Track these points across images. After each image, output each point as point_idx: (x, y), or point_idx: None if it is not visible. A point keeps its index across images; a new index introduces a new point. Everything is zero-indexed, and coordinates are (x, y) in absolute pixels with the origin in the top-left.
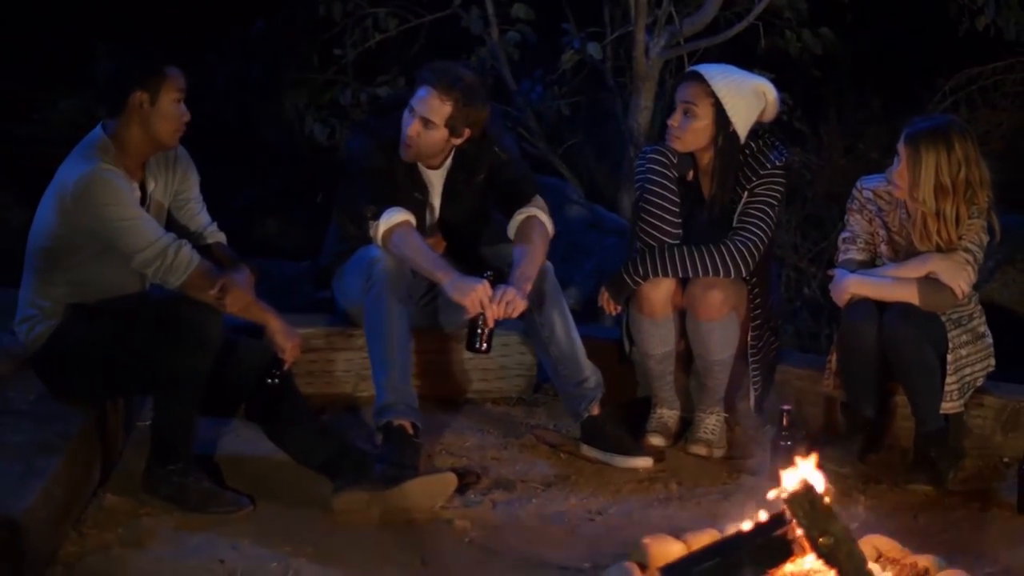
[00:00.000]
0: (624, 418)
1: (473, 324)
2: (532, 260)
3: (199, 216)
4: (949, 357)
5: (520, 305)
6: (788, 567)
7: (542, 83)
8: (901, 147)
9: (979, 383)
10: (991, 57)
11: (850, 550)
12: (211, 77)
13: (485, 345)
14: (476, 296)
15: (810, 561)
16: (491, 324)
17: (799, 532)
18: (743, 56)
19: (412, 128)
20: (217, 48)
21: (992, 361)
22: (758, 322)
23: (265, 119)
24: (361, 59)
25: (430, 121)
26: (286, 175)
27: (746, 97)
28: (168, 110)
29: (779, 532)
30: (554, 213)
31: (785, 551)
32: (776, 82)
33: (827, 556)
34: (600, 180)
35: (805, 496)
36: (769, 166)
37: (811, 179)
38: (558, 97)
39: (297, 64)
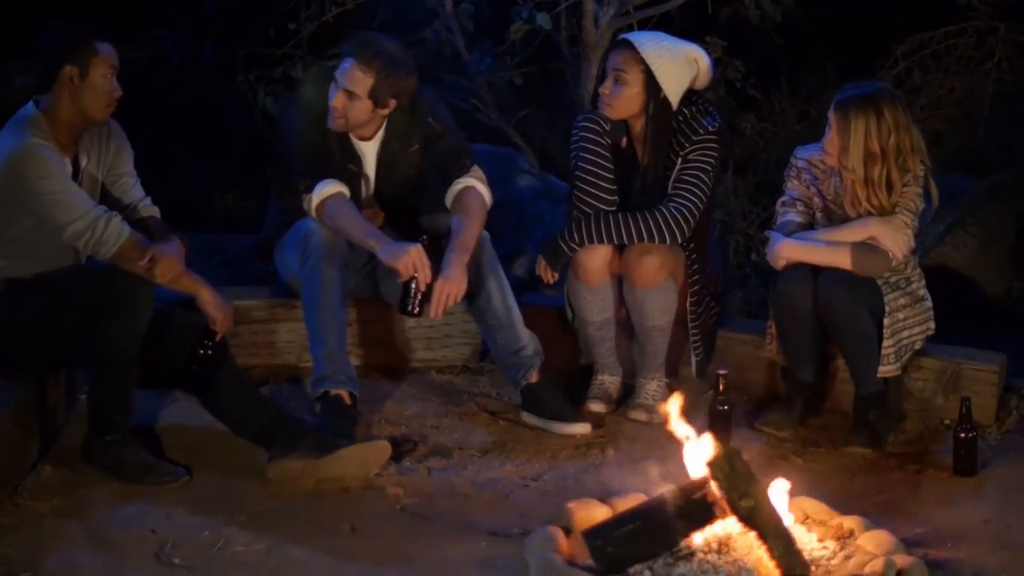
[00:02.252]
0: (567, 385)
1: (406, 287)
2: (470, 230)
3: (133, 190)
4: (886, 320)
5: (462, 286)
6: (709, 529)
7: (492, 54)
8: (831, 114)
9: (917, 346)
10: (944, 22)
11: (770, 512)
12: (165, 52)
13: (417, 308)
14: (408, 259)
15: (731, 523)
16: (423, 287)
17: (719, 495)
18: (700, 24)
19: (337, 100)
20: (171, 23)
21: (931, 324)
22: (697, 287)
23: (220, 94)
24: (321, 33)
25: (353, 93)
26: (243, 149)
27: (677, 64)
28: (98, 85)
29: (700, 495)
30: (505, 182)
31: (706, 514)
32: (730, 49)
33: (747, 518)
34: (553, 149)
35: (725, 459)
36: (702, 132)
37: (764, 146)
38: (510, 67)
39: (252, 39)
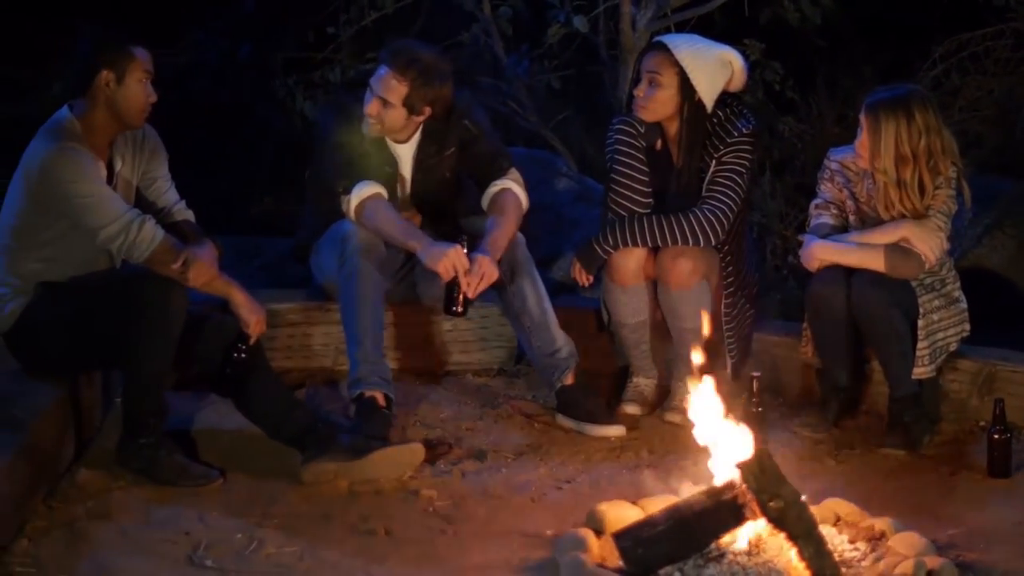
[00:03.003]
0: (603, 387)
1: (449, 287)
2: (503, 230)
3: (167, 194)
4: (920, 322)
5: (493, 272)
6: (739, 531)
7: (529, 57)
8: (862, 117)
9: (952, 348)
10: (982, 24)
11: (800, 513)
12: (203, 56)
13: (461, 308)
14: (449, 261)
15: (761, 525)
16: (465, 287)
17: (749, 496)
18: (740, 26)
19: (371, 107)
20: (209, 27)
21: (967, 326)
22: (731, 290)
23: (258, 97)
24: (360, 37)
25: (387, 101)
26: (282, 152)
27: (711, 66)
28: (134, 90)
29: (730, 497)
30: (542, 186)
31: (736, 515)
32: (768, 51)
33: (777, 520)
34: (591, 152)
35: (755, 461)
36: (736, 134)
37: (802, 148)
38: (548, 71)
39: (291, 42)
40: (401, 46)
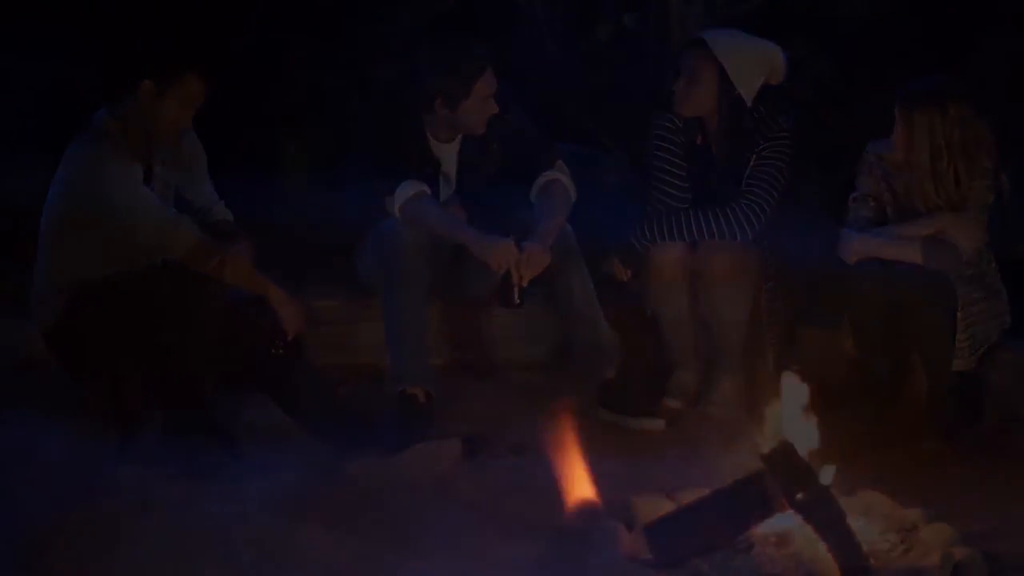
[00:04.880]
0: (645, 381)
1: (504, 280)
2: (553, 217)
3: (206, 194)
4: (959, 314)
5: (545, 259)
6: (768, 523)
7: (580, 53)
8: (896, 110)
9: (993, 339)
10: None
11: (827, 505)
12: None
13: (518, 300)
14: (500, 254)
15: (789, 517)
16: (517, 279)
17: (777, 488)
18: (786, 22)
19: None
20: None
21: (1008, 318)
22: (771, 283)
23: (309, 94)
24: (415, 35)
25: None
26: (332, 149)
27: (750, 61)
28: (169, 108)
29: (757, 488)
30: (587, 182)
31: (764, 507)
32: (820, 46)
33: (804, 511)
34: (641, 148)
35: (781, 452)
36: (776, 129)
37: (853, 143)
38: (598, 67)
39: (343, 40)
40: (467, 46)
